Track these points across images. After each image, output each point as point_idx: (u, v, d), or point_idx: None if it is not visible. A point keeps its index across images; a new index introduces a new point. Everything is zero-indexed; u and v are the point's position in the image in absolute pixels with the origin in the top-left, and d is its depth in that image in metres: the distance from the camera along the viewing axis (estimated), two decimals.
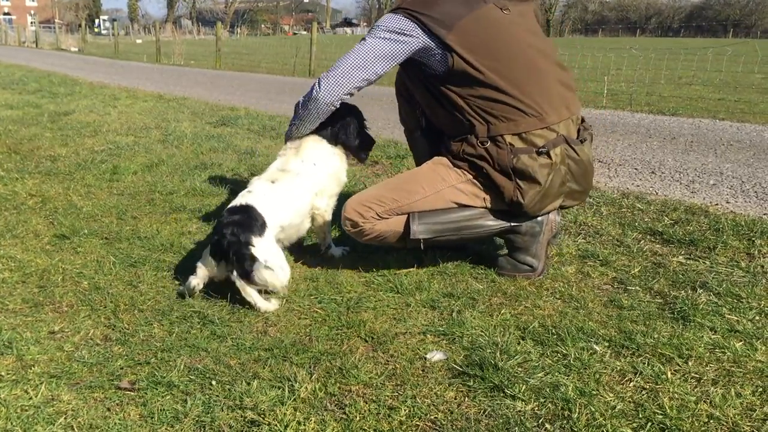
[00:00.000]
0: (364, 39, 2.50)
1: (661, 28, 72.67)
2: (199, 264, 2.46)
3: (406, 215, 2.55)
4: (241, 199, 2.52)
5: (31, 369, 1.95)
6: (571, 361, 1.97)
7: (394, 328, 2.22)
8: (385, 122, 6.67)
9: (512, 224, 2.60)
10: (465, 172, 2.56)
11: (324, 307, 2.38)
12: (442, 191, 2.56)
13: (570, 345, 2.06)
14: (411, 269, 2.72)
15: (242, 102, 8.93)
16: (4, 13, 71.29)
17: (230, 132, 6.28)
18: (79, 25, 37.04)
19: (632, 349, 2.05)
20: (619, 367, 1.95)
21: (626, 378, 1.90)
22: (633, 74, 11.07)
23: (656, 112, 7.95)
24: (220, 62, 18.15)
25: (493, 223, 2.59)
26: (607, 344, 2.09)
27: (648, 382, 1.88)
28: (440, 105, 2.59)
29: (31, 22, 59.33)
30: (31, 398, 1.81)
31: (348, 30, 73.91)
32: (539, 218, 2.61)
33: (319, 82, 2.51)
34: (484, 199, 2.57)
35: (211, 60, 19.35)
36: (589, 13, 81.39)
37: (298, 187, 2.65)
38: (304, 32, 60.85)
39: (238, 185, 4.09)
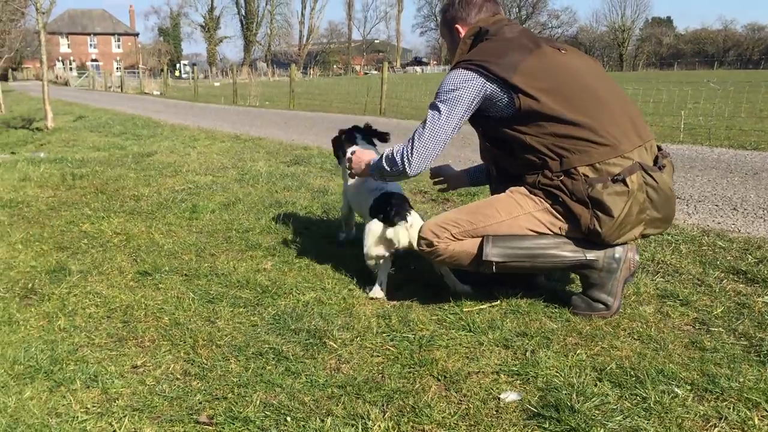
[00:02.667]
0: (434, 105, 2.56)
1: (740, 61, 70.73)
2: (383, 236, 2.84)
3: (480, 238, 2.56)
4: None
5: (115, 402, 2.02)
6: (652, 405, 1.91)
7: (467, 367, 2.20)
8: (454, 159, 6.69)
9: (588, 258, 2.55)
10: (542, 200, 2.55)
11: (396, 344, 2.39)
12: (518, 217, 2.56)
13: (650, 388, 2.00)
14: (483, 307, 2.70)
15: (315, 141, 9.12)
16: (92, 60, 75.33)
17: (304, 171, 6.41)
18: (161, 70, 38.85)
19: (716, 393, 1.97)
20: (702, 412, 1.88)
21: (710, 423, 1.83)
22: (711, 108, 10.78)
23: (737, 146, 7.70)
24: (294, 103, 18.64)
25: (568, 255, 2.55)
26: (689, 387, 2.01)
27: (734, 428, 1.80)
28: (508, 152, 2.62)
29: (117, 68, 62.54)
30: (114, 431, 1.87)
31: (418, 69, 74.65)
32: (617, 255, 2.56)
33: (408, 161, 2.57)
34: (560, 228, 2.54)
35: (285, 100, 19.90)
36: (664, 46, 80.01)
37: None
38: (375, 72, 61.95)
39: (311, 223, 4.17)
